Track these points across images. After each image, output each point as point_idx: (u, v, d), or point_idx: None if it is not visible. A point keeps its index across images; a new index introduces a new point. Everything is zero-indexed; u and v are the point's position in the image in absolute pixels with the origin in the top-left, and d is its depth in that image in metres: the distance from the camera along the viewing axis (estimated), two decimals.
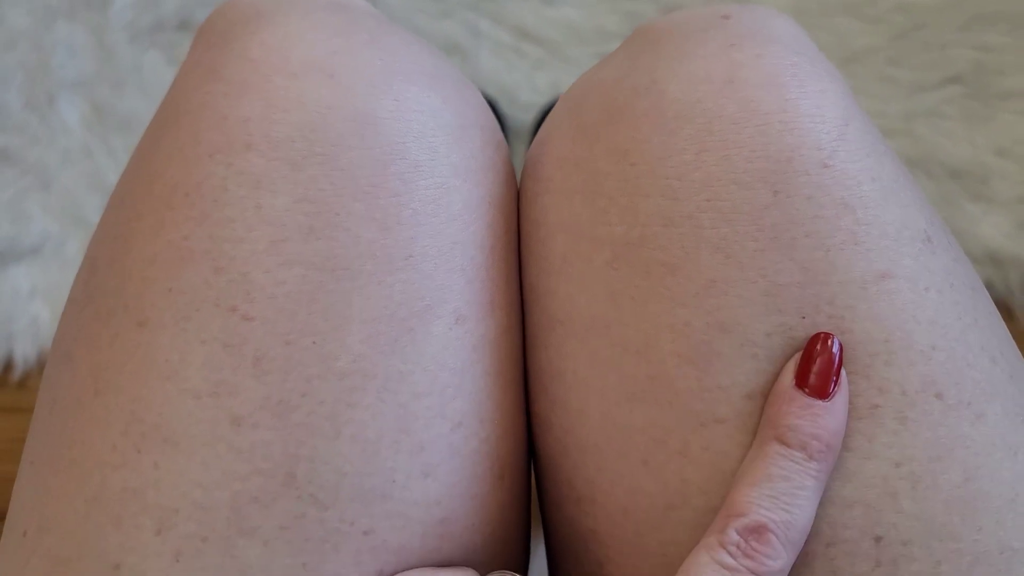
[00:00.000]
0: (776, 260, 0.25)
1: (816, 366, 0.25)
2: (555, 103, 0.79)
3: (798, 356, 0.25)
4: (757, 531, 0.23)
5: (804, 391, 0.25)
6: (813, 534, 0.25)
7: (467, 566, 0.28)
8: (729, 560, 0.23)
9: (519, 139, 0.80)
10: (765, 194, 0.26)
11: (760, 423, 0.25)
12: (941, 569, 0.25)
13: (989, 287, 0.75)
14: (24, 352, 0.76)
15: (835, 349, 0.25)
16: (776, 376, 0.25)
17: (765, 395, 0.25)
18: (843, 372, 0.25)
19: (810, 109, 0.26)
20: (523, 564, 0.33)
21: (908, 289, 0.26)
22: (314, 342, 0.26)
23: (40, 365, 0.77)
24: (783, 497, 0.24)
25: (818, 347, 0.25)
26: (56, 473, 0.26)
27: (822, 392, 0.24)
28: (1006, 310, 0.75)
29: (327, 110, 0.27)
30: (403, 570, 0.27)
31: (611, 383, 0.27)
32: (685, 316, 0.26)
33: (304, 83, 0.27)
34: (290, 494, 0.26)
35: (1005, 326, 0.29)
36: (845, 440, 0.25)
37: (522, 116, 0.80)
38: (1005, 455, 0.25)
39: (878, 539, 0.25)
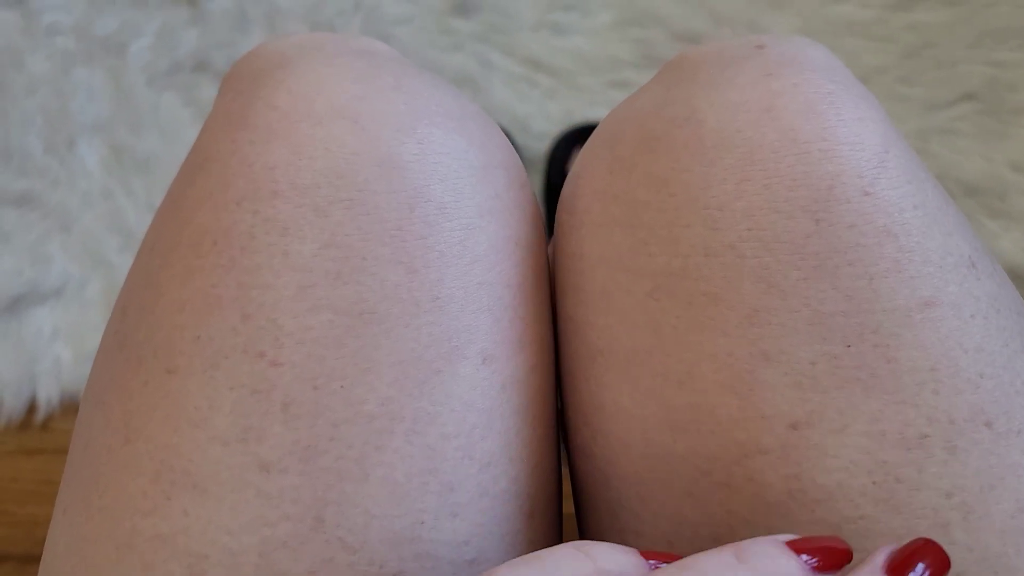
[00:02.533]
0: (820, 289, 0.25)
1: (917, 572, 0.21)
2: (570, 131, 0.80)
3: (895, 545, 0.21)
4: None
5: None
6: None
7: None
8: None
9: (533, 168, 0.81)
10: (807, 223, 0.26)
11: None
12: None
13: None
14: (47, 394, 0.77)
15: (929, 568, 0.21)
16: (823, 407, 0.25)
17: (810, 425, 0.25)
18: None
19: (849, 137, 0.26)
20: None
21: (953, 316, 0.25)
22: (342, 386, 0.26)
23: (63, 406, 0.77)
24: None
25: (916, 553, 0.21)
26: (88, 520, 0.27)
27: None
28: None
29: (352, 156, 0.27)
30: None
31: (653, 413, 0.27)
32: (728, 346, 0.26)
33: (329, 130, 0.28)
34: (318, 538, 0.26)
35: None
36: (894, 471, 0.25)
37: (536, 145, 0.81)
38: None
39: None
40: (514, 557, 0.29)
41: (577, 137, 0.79)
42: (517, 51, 0.84)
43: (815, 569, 0.20)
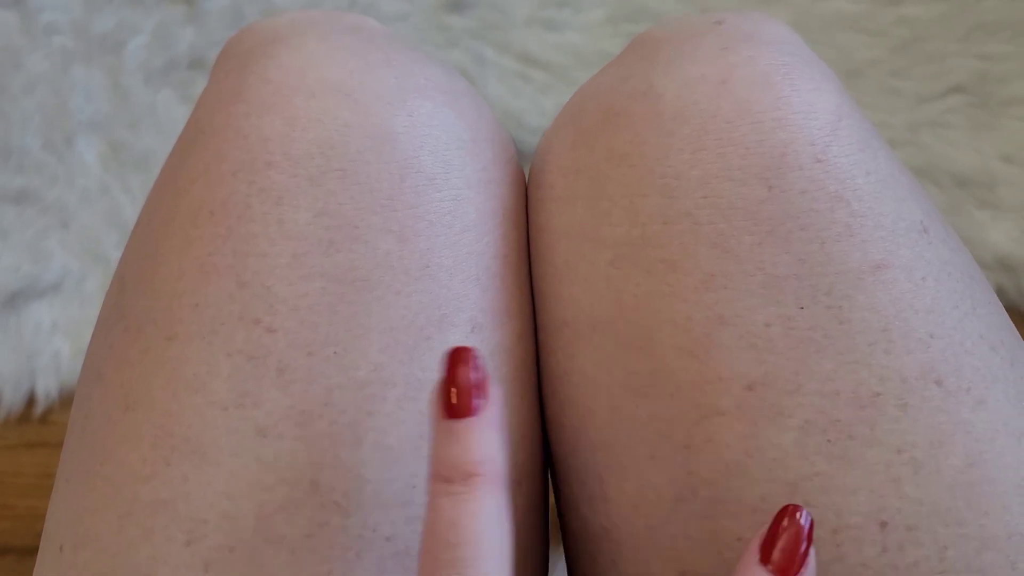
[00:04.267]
0: (773, 253, 0.26)
1: (781, 542, 0.23)
2: None
3: (764, 529, 0.23)
4: None
5: (768, 568, 0.22)
6: (819, 521, 0.25)
7: None
8: None
9: (528, 161, 0.81)
10: (760, 189, 0.26)
11: None
12: (948, 554, 0.25)
13: (1001, 293, 0.75)
14: (46, 387, 0.78)
15: (804, 522, 0.23)
16: (778, 368, 0.26)
17: (765, 385, 0.26)
18: (811, 552, 0.23)
19: (802, 106, 0.27)
20: (543, 570, 0.33)
21: (905, 279, 0.26)
22: (335, 352, 0.27)
23: (62, 400, 0.78)
24: None
25: (785, 522, 0.23)
26: (90, 489, 0.27)
27: (786, 571, 0.22)
28: (1018, 315, 0.75)
29: (345, 127, 0.28)
30: None
31: (616, 380, 0.28)
32: (685, 311, 0.27)
33: (322, 102, 0.28)
34: (313, 502, 0.26)
35: (1006, 314, 0.29)
36: (848, 428, 0.25)
37: (530, 139, 0.82)
38: (1009, 441, 0.26)
39: (883, 524, 0.25)
40: (503, 524, 0.29)
41: None
42: (511, 47, 0.84)
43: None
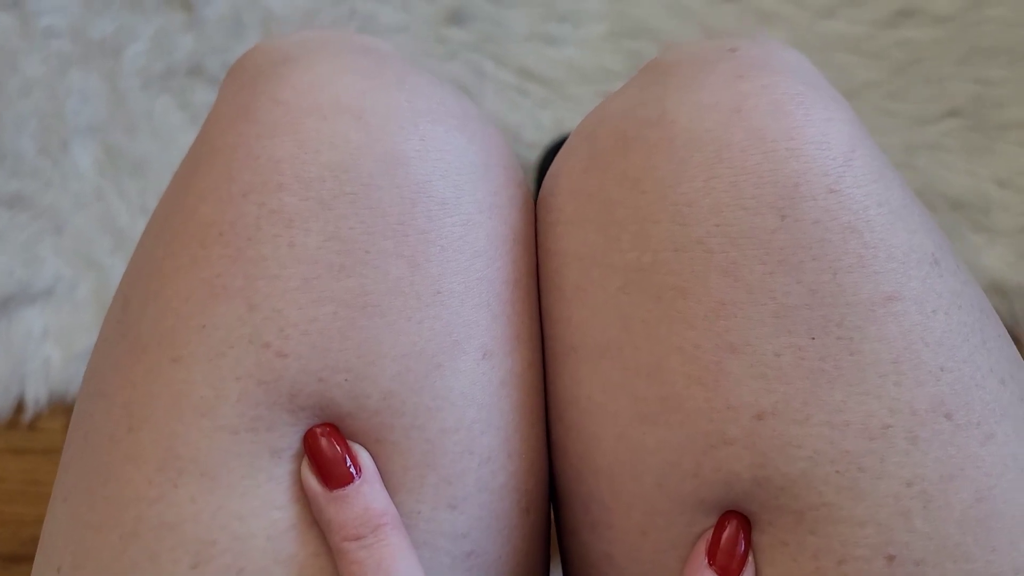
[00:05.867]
0: (785, 283, 0.26)
1: (724, 545, 0.26)
2: (561, 140, 0.81)
3: (709, 533, 0.26)
4: None
5: (713, 568, 0.26)
6: (825, 552, 0.25)
7: None
8: None
9: (525, 176, 0.81)
10: (772, 219, 0.26)
11: None
12: None
13: None
14: (35, 394, 0.77)
15: (741, 527, 0.26)
16: (788, 398, 0.26)
17: (775, 415, 0.26)
18: (750, 554, 0.26)
19: (816, 136, 0.27)
20: None
21: (916, 311, 0.26)
22: (346, 379, 0.27)
23: (51, 407, 0.78)
24: None
25: (726, 528, 0.26)
26: (91, 509, 0.27)
27: (727, 570, 0.26)
28: (1013, 338, 0.75)
29: (356, 150, 0.28)
30: None
31: (624, 406, 0.28)
32: (695, 338, 0.26)
33: (334, 124, 0.28)
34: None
35: (1015, 348, 0.29)
36: (857, 460, 0.25)
37: (527, 154, 0.82)
38: (1017, 476, 0.26)
39: (890, 558, 0.25)
40: (510, 551, 0.29)
41: None
42: (510, 61, 0.84)
43: None
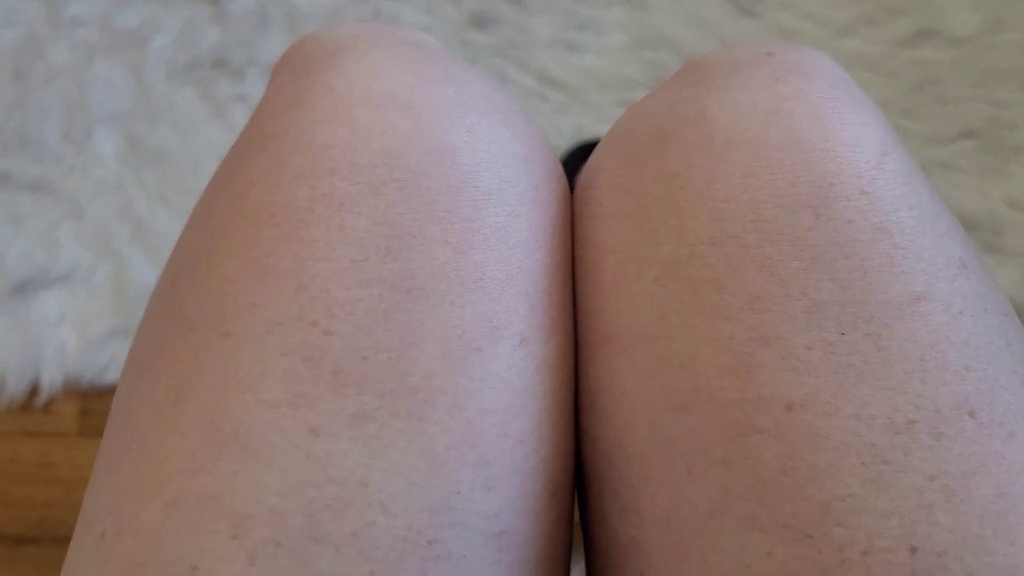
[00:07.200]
0: (817, 279, 0.27)
1: None
2: (579, 146, 0.81)
3: None
4: None
5: None
6: (849, 542, 0.26)
7: None
8: None
9: None
10: (807, 217, 0.27)
11: None
12: None
13: None
14: (51, 377, 0.77)
15: None
16: (817, 391, 0.26)
17: (804, 407, 0.26)
18: None
19: (850, 139, 0.28)
20: None
21: (943, 311, 0.27)
22: (389, 358, 0.27)
23: (65, 390, 0.78)
24: None
25: None
26: (135, 478, 0.27)
27: None
28: None
29: (407, 139, 0.28)
30: None
31: (657, 395, 0.28)
32: (728, 330, 0.27)
33: (385, 113, 0.29)
34: (361, 502, 0.26)
35: None
36: (883, 453, 0.26)
37: None
38: None
39: (913, 549, 0.25)
40: (538, 533, 0.30)
41: (586, 152, 0.80)
42: (531, 66, 0.85)
43: None
